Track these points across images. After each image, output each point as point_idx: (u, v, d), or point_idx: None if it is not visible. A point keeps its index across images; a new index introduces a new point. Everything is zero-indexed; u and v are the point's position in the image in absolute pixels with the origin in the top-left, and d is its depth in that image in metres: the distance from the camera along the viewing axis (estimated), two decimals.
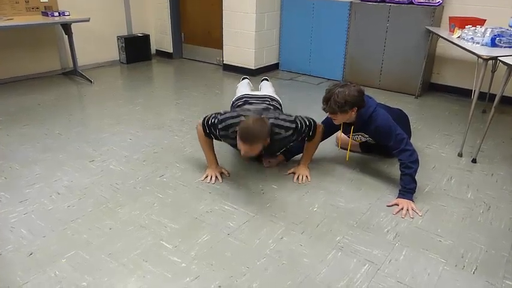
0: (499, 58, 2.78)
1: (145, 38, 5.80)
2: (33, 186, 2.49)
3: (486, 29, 3.23)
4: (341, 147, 2.95)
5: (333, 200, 2.41)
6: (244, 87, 3.38)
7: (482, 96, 3.66)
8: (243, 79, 3.74)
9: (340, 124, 2.57)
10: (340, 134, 2.79)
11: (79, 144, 3.08)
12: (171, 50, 5.98)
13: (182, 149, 3.05)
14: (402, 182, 2.39)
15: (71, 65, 4.92)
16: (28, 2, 4.50)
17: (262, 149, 2.32)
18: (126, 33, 5.70)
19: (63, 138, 3.19)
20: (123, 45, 5.55)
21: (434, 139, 3.31)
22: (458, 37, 3.53)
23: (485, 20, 3.70)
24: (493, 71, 3.78)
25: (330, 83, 2.67)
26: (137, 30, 5.82)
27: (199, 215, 2.25)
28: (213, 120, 2.44)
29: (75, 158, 2.86)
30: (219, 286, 1.75)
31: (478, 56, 2.93)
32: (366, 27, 4.56)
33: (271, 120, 2.34)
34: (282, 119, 2.40)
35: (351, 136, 2.66)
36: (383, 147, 2.65)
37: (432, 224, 2.20)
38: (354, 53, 4.76)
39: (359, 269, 1.87)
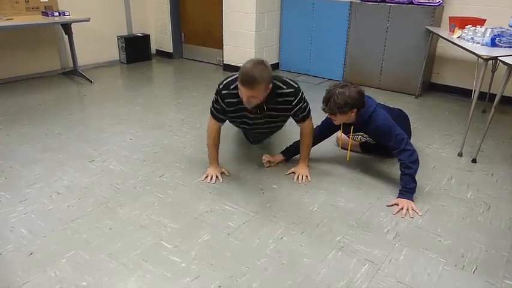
0: (499, 58, 2.78)
1: (146, 38, 5.80)
2: (33, 186, 2.49)
3: (486, 29, 3.23)
4: (341, 147, 2.95)
5: (333, 200, 2.41)
6: None
7: (482, 96, 3.66)
8: None
9: (340, 124, 2.57)
10: (340, 134, 2.79)
11: (79, 144, 3.08)
12: (171, 50, 5.98)
13: (182, 148, 3.05)
14: (402, 181, 2.39)
15: (71, 64, 4.92)
16: (28, 1, 4.50)
17: (264, 100, 2.30)
18: (126, 33, 5.70)
19: (63, 138, 3.19)
20: (123, 45, 5.55)
21: (434, 139, 3.31)
22: (459, 37, 3.54)
23: (485, 20, 3.70)
24: (493, 70, 3.78)
25: (330, 83, 2.68)
26: (137, 30, 5.82)
27: (199, 214, 2.25)
28: (215, 93, 2.46)
29: (75, 158, 2.86)
30: (219, 286, 1.75)
31: (478, 56, 2.93)
32: (366, 27, 4.56)
33: (274, 79, 2.33)
34: (284, 78, 2.43)
35: (351, 136, 2.66)
36: (383, 147, 2.65)
37: (432, 224, 2.20)
38: (354, 53, 4.76)
39: (359, 268, 1.87)
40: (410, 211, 2.28)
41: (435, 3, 4.12)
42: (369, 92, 2.61)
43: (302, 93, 2.46)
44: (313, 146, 2.72)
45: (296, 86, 2.44)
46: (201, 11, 5.62)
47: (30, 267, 1.82)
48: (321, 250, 1.98)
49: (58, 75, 4.97)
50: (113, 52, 5.62)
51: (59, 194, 2.42)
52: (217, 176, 2.60)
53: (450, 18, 3.95)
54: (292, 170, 2.70)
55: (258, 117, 2.48)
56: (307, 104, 2.53)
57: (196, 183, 2.57)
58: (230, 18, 5.09)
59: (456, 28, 3.66)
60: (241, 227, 2.14)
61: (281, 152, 2.84)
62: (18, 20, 4.19)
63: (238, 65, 5.14)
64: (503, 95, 2.73)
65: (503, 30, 3.18)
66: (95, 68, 5.37)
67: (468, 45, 3.21)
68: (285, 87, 2.39)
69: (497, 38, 3.12)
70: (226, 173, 2.66)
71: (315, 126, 2.67)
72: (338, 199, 2.43)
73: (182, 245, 2.00)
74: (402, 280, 1.80)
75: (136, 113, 3.78)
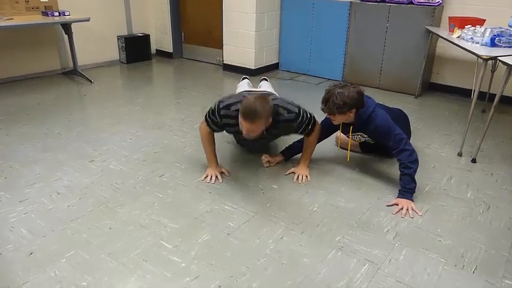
0: (499, 58, 2.78)
1: (146, 38, 5.80)
2: (33, 186, 2.49)
3: (486, 29, 3.23)
4: (341, 147, 2.95)
5: (332, 200, 2.42)
6: (244, 87, 3.39)
7: (481, 96, 3.66)
8: (243, 79, 3.75)
9: (339, 124, 2.58)
10: (339, 133, 2.80)
11: (79, 144, 3.08)
12: (171, 50, 5.99)
13: (182, 148, 3.05)
14: (402, 181, 2.39)
15: (71, 64, 4.92)
16: (28, 1, 4.50)
17: (263, 130, 2.31)
18: (126, 33, 5.70)
19: (63, 138, 3.19)
20: (123, 45, 5.55)
21: (434, 139, 3.31)
22: (458, 37, 3.54)
23: (485, 20, 3.71)
24: (493, 70, 3.79)
25: (330, 83, 2.68)
26: (137, 30, 5.82)
27: (199, 214, 2.25)
28: (213, 107, 2.44)
29: (75, 158, 2.86)
30: (219, 286, 1.75)
31: (478, 56, 2.93)
32: (366, 27, 4.56)
33: (274, 102, 2.35)
34: (286, 102, 2.42)
35: (350, 136, 2.66)
36: (383, 147, 2.65)
37: (432, 224, 2.20)
38: (353, 53, 4.76)
39: (359, 268, 1.87)
40: (410, 211, 2.28)
41: (435, 3, 4.13)
42: (368, 92, 2.61)
43: (304, 115, 2.45)
44: None
45: (296, 111, 2.42)
46: (201, 11, 5.63)
47: (30, 267, 1.83)
48: (321, 250, 1.98)
49: (58, 75, 4.97)
50: (112, 52, 5.62)
51: (59, 193, 2.42)
52: (216, 176, 2.60)
53: (450, 18, 3.95)
54: (292, 170, 2.70)
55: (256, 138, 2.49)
56: (311, 118, 2.51)
57: (196, 183, 2.57)
58: (230, 18, 5.09)
59: (456, 28, 3.66)
60: (241, 227, 2.15)
61: (281, 152, 2.84)
62: (18, 20, 4.19)
63: (238, 65, 5.22)
64: (502, 94, 2.73)
65: (502, 30, 3.18)
66: (95, 67, 5.37)
67: (468, 45, 3.21)
68: (285, 112, 2.39)
69: (496, 38, 3.13)
70: (226, 173, 2.66)
71: None
72: (338, 199, 2.43)
73: (182, 245, 2.00)
74: (402, 280, 1.80)
75: (136, 112, 3.78)
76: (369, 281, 1.79)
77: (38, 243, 1.98)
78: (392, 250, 1.99)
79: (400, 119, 2.79)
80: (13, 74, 4.66)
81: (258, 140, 2.50)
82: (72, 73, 4.89)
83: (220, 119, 2.43)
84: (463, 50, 3.25)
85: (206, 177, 2.60)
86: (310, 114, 2.53)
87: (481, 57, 2.88)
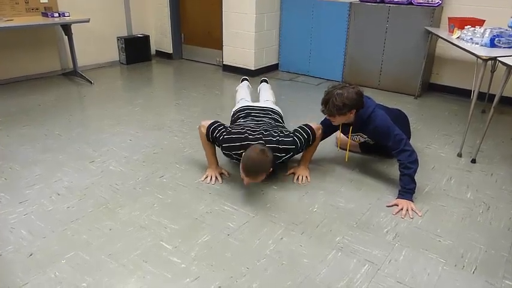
0: (498, 58, 2.78)
1: (145, 39, 5.80)
2: (33, 187, 2.49)
3: (485, 29, 3.24)
4: (340, 148, 2.95)
5: (332, 201, 2.42)
6: (244, 91, 3.39)
7: (481, 96, 3.66)
8: (242, 80, 3.75)
9: (339, 124, 2.58)
10: (339, 134, 2.80)
11: (79, 145, 3.08)
12: (170, 51, 5.99)
13: (182, 149, 3.05)
14: (401, 182, 2.39)
15: (71, 65, 4.92)
16: (28, 2, 4.50)
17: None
18: (126, 34, 5.70)
19: (63, 138, 3.20)
20: (123, 46, 5.55)
21: (433, 139, 3.31)
22: (458, 37, 3.54)
23: (485, 20, 3.71)
24: (492, 71, 3.79)
25: (330, 84, 2.68)
26: (137, 31, 5.82)
27: (199, 215, 2.25)
28: (218, 135, 2.44)
29: (75, 159, 2.86)
30: (219, 286, 1.75)
31: (477, 57, 2.93)
32: (366, 28, 4.56)
33: (273, 144, 2.36)
34: (283, 143, 2.40)
35: (350, 136, 2.66)
36: (383, 147, 2.65)
37: (432, 224, 2.20)
38: (353, 54, 4.76)
39: (359, 269, 1.87)
40: (410, 211, 2.28)
41: (434, 3, 4.13)
42: (368, 92, 2.62)
43: (301, 141, 2.45)
44: None
45: (293, 147, 2.42)
46: (200, 12, 5.63)
47: (30, 268, 1.83)
48: (320, 250, 1.98)
49: (58, 76, 4.97)
50: (112, 53, 5.63)
51: (59, 194, 2.42)
52: (216, 177, 2.60)
53: (449, 18, 3.95)
54: (292, 170, 2.70)
55: None
56: (308, 133, 2.49)
57: (196, 184, 2.57)
58: (230, 19, 5.09)
59: (455, 29, 3.66)
60: (241, 228, 2.15)
61: None
62: (18, 21, 4.19)
63: (238, 65, 5.22)
64: (502, 95, 2.73)
65: (502, 30, 3.18)
66: (95, 68, 5.37)
67: (467, 46, 3.22)
68: (283, 154, 2.41)
69: (496, 39, 3.13)
70: (226, 173, 2.66)
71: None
72: (338, 199, 2.43)
73: (182, 245, 2.00)
74: (402, 280, 1.80)
75: (136, 113, 3.78)
76: (368, 281, 1.79)
77: (38, 244, 1.98)
78: (392, 250, 1.99)
79: (400, 119, 2.79)
80: (13, 75, 4.66)
81: None
82: (72, 74, 4.89)
83: (219, 145, 2.47)
84: (463, 51, 3.25)
85: (206, 178, 2.60)
86: (306, 132, 2.49)
87: (480, 58, 2.88)
